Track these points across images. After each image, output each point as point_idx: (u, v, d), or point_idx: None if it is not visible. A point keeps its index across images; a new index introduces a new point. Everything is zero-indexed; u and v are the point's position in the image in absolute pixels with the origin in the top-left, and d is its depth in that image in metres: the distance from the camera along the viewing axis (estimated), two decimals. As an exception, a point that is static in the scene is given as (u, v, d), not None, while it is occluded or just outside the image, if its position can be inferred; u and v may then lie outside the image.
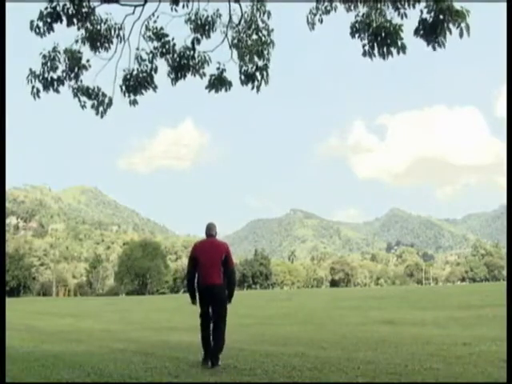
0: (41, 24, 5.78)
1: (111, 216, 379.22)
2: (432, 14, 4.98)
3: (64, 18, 5.80)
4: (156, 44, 6.33)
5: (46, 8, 5.74)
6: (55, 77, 6.10)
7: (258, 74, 6.25)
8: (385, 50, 5.39)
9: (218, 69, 6.31)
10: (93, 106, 6.32)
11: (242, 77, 6.30)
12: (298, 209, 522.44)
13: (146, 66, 6.29)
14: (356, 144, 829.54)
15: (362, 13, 5.55)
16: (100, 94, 6.31)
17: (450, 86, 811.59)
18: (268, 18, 6.38)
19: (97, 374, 6.06)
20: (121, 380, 5.68)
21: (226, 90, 6.33)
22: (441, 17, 4.92)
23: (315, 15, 5.91)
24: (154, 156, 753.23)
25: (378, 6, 5.48)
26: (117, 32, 6.22)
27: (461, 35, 4.88)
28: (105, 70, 6.26)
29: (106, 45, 6.22)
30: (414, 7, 5.17)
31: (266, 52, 6.31)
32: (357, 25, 5.54)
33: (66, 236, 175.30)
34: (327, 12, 5.87)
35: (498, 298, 21.12)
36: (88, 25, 6.07)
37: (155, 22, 6.25)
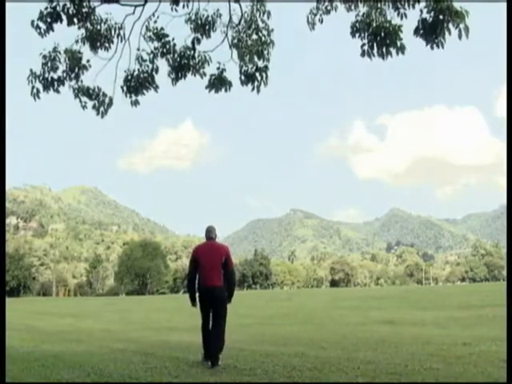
0: (41, 24, 5.78)
1: (111, 216, 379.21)
2: (432, 13, 4.98)
3: (64, 18, 5.80)
4: (156, 44, 6.33)
5: (46, 8, 5.74)
6: (55, 77, 6.10)
7: (257, 74, 6.24)
8: (384, 50, 5.40)
9: (218, 69, 6.31)
10: (93, 107, 6.31)
11: (242, 77, 6.30)
12: (298, 209, 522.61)
13: (147, 66, 6.29)
14: (356, 144, 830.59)
15: (363, 12, 5.55)
16: (100, 94, 6.30)
17: (450, 85, 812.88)
18: (268, 17, 6.38)
19: (97, 373, 6.06)
20: (121, 380, 5.68)
21: (226, 90, 6.33)
22: (440, 17, 4.92)
23: (315, 15, 5.90)
24: (154, 156, 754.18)
25: (379, 5, 5.48)
26: (117, 32, 6.21)
27: (459, 36, 4.88)
28: (105, 70, 6.26)
29: (106, 44, 6.21)
30: (413, 7, 5.17)
31: (266, 52, 6.31)
32: (357, 24, 5.54)
33: (66, 236, 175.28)
34: (327, 12, 5.86)
35: (498, 297, 21.12)
36: (88, 25, 6.07)
37: (155, 22, 6.24)
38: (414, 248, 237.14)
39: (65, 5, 5.75)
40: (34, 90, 6.01)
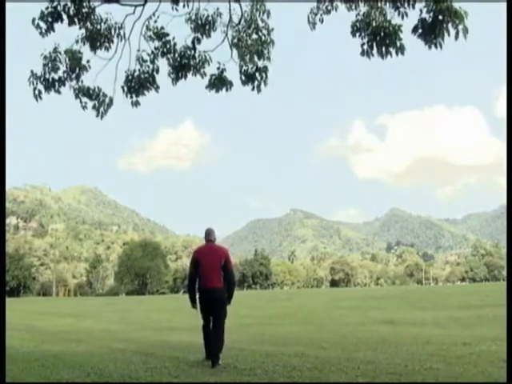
0: (42, 23, 5.78)
1: (111, 216, 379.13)
2: (431, 14, 4.97)
3: (65, 18, 5.80)
4: (157, 44, 6.33)
5: (47, 7, 5.74)
6: (56, 77, 6.11)
7: (257, 74, 6.25)
8: (383, 49, 5.39)
9: (219, 68, 6.32)
10: (93, 107, 6.31)
11: (243, 77, 6.30)
12: (298, 209, 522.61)
13: (148, 66, 6.29)
14: (356, 144, 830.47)
15: (363, 12, 5.55)
16: (101, 94, 6.31)
17: (450, 85, 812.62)
18: (268, 17, 6.38)
19: (97, 373, 6.07)
20: (121, 380, 5.68)
21: (226, 90, 6.33)
22: (440, 17, 4.92)
23: (316, 15, 5.90)
24: (154, 156, 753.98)
25: (379, 5, 5.48)
26: (117, 32, 6.21)
27: (456, 37, 4.88)
28: (105, 70, 6.27)
29: (107, 44, 6.21)
30: (413, 7, 5.17)
31: (266, 51, 6.32)
32: (357, 24, 5.54)
33: (66, 236, 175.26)
34: (328, 12, 5.86)
35: (498, 297, 21.12)
36: (88, 25, 6.07)
37: (156, 21, 6.25)
38: (414, 248, 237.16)
39: (65, 4, 5.75)
40: (36, 92, 6.03)
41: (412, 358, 6.74)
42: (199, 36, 6.34)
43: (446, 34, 4.96)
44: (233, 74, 6.35)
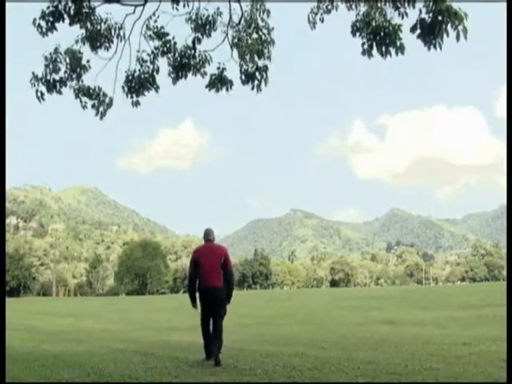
0: (43, 23, 5.79)
1: (111, 216, 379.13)
2: (430, 14, 4.97)
3: (66, 17, 5.81)
4: (157, 43, 6.34)
5: (48, 7, 5.75)
6: (57, 78, 6.12)
7: (257, 73, 6.25)
8: (383, 49, 5.39)
9: (219, 68, 6.32)
10: (93, 106, 6.32)
11: (243, 76, 6.30)
12: (298, 209, 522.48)
13: (148, 67, 6.30)
14: (356, 144, 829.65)
15: (363, 12, 5.55)
16: (101, 94, 6.31)
17: (450, 86, 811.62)
18: (268, 16, 6.39)
19: (97, 374, 6.06)
20: (121, 380, 5.68)
21: (226, 90, 6.34)
22: (439, 18, 4.91)
23: (316, 14, 5.90)
24: (154, 156, 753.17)
25: (379, 4, 5.48)
26: (117, 32, 6.22)
27: (457, 38, 4.88)
28: (105, 70, 6.28)
29: (107, 44, 6.22)
30: (413, 7, 5.16)
31: (266, 51, 6.32)
32: (357, 23, 5.54)
33: (66, 236, 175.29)
34: (328, 11, 5.86)
35: (498, 298, 21.11)
36: (88, 25, 6.07)
37: (156, 21, 6.25)
38: (414, 248, 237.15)
39: (66, 4, 5.75)
40: (38, 93, 6.05)
41: (412, 358, 6.74)
42: (199, 36, 6.35)
43: (445, 35, 4.97)
44: (233, 73, 6.36)
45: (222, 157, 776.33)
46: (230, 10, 6.26)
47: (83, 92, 6.25)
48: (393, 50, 5.36)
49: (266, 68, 6.26)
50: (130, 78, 6.29)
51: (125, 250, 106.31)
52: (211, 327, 6.88)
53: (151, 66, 6.31)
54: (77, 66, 6.16)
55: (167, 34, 6.32)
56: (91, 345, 10.14)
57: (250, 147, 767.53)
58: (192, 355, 7.32)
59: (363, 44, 5.46)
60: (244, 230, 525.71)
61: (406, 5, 5.17)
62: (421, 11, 5.02)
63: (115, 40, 6.21)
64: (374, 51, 5.42)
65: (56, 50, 6.11)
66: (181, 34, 6.37)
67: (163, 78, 6.37)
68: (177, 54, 6.33)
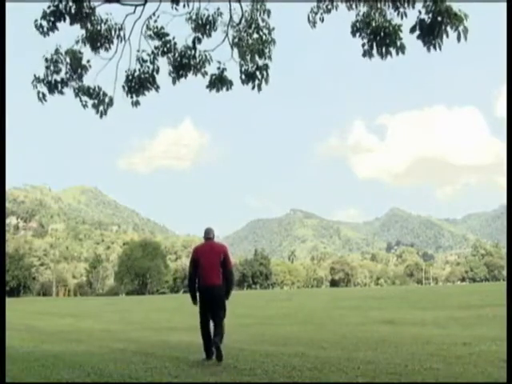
0: (44, 23, 5.79)
1: (111, 216, 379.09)
2: (430, 15, 4.97)
3: (67, 17, 5.81)
4: (157, 43, 6.35)
5: (49, 7, 5.75)
6: (59, 79, 6.14)
7: (258, 73, 6.26)
8: (384, 49, 5.40)
9: (219, 68, 6.32)
10: (93, 106, 6.32)
11: (243, 76, 6.31)
12: (297, 209, 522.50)
13: (148, 66, 6.30)
14: (356, 144, 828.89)
15: (363, 12, 5.55)
16: (101, 93, 6.31)
17: (450, 86, 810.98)
18: (268, 16, 6.39)
19: (97, 374, 6.07)
20: (121, 380, 5.68)
21: (227, 89, 6.35)
22: (439, 18, 4.91)
23: (316, 14, 5.90)
24: (154, 156, 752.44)
25: (378, 5, 5.48)
26: (117, 33, 6.22)
27: (458, 39, 4.88)
28: (105, 70, 6.28)
29: (107, 45, 6.22)
30: (413, 7, 5.17)
31: (267, 50, 6.33)
32: (357, 24, 5.54)
33: (66, 236, 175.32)
34: (328, 11, 5.86)
35: (498, 298, 21.12)
36: (88, 25, 6.08)
37: (156, 21, 6.26)
38: (414, 248, 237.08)
39: (67, 3, 5.75)
40: (40, 95, 6.07)
41: (412, 358, 6.74)
42: (200, 36, 6.35)
43: (444, 36, 4.96)
44: (233, 73, 6.37)
45: (222, 157, 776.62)
46: (230, 9, 6.27)
47: (83, 91, 6.26)
48: (393, 50, 5.37)
49: (266, 67, 6.27)
50: (130, 77, 6.30)
51: (125, 249, 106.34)
52: (211, 328, 6.89)
53: (151, 66, 6.31)
54: (77, 66, 6.16)
55: (167, 34, 6.33)
56: (91, 345, 10.14)
57: (250, 147, 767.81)
58: (192, 355, 7.32)
59: (363, 45, 5.46)
60: (244, 230, 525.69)
61: (406, 5, 5.17)
62: (420, 12, 5.02)
63: (115, 40, 6.22)
64: (375, 52, 5.42)
65: (57, 51, 6.12)
66: (181, 34, 6.39)
67: (163, 77, 6.38)
68: (177, 54, 6.34)
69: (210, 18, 6.35)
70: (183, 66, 6.31)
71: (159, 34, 6.31)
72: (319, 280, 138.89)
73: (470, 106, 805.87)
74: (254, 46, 6.30)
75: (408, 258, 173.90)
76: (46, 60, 6.08)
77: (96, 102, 6.31)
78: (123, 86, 6.30)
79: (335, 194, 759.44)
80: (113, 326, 16.86)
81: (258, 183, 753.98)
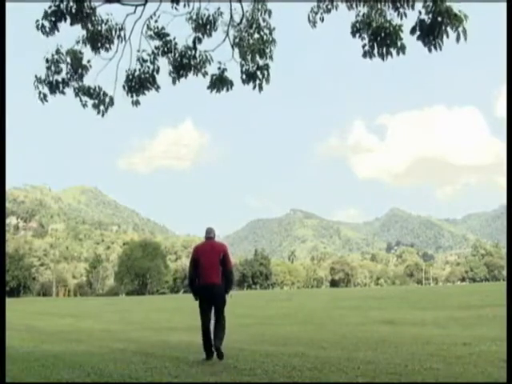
0: (46, 23, 5.79)
1: (111, 216, 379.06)
2: (430, 15, 4.97)
3: (68, 17, 5.81)
4: (157, 43, 6.35)
5: (50, 7, 5.75)
6: (60, 79, 6.15)
7: (259, 72, 6.26)
8: (384, 50, 5.39)
9: (219, 68, 6.32)
10: (94, 105, 6.33)
11: (244, 76, 6.31)
12: (297, 209, 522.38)
13: (148, 66, 6.31)
14: (356, 144, 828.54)
15: (363, 13, 5.55)
16: (101, 93, 6.32)
17: (450, 86, 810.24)
18: (269, 16, 6.39)
19: (97, 374, 6.07)
20: (121, 380, 5.68)
21: (227, 90, 6.35)
22: (439, 19, 4.91)
23: (316, 13, 5.91)
24: (154, 156, 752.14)
25: (379, 6, 5.48)
26: (117, 33, 6.22)
27: (457, 39, 4.88)
28: (106, 70, 6.29)
29: (107, 45, 6.22)
30: (413, 8, 5.17)
31: (268, 50, 6.34)
32: (357, 24, 5.54)
33: (66, 236, 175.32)
34: (328, 11, 5.87)
35: (498, 297, 21.12)
36: (89, 25, 6.08)
37: (156, 21, 6.26)
38: (414, 248, 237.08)
39: (68, 3, 5.75)
40: (41, 95, 6.08)
41: (412, 358, 6.74)
42: (200, 36, 6.35)
43: (444, 36, 4.97)
44: (233, 73, 6.37)
45: (222, 157, 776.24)
46: (230, 9, 6.27)
47: (83, 91, 6.26)
48: (394, 51, 5.36)
49: (267, 67, 6.28)
50: (131, 77, 6.30)
51: (125, 250, 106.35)
52: (212, 324, 6.97)
53: (151, 66, 6.32)
54: (78, 66, 6.17)
55: (168, 34, 6.33)
56: (91, 345, 10.15)
57: (250, 147, 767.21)
58: (192, 355, 7.32)
59: (364, 45, 5.46)
60: (244, 230, 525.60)
61: (406, 5, 5.17)
62: (420, 12, 5.02)
63: (116, 40, 6.23)
64: (376, 52, 5.41)
65: (58, 51, 6.13)
66: (181, 34, 6.39)
67: (163, 77, 6.39)
68: (177, 54, 6.34)
69: (211, 17, 6.35)
70: (183, 65, 6.31)
71: (159, 34, 6.31)
72: (319, 280, 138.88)
73: (470, 105, 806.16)
74: (255, 46, 6.30)
75: (408, 258, 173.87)
76: (47, 60, 6.09)
77: (96, 101, 6.31)
78: (123, 86, 6.31)
79: (335, 194, 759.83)
80: (113, 326, 16.87)
81: (258, 183, 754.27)
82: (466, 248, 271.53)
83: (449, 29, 4.92)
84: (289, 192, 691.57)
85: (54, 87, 6.11)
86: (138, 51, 6.30)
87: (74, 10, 5.80)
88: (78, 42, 6.18)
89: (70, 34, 6.16)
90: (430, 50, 5.05)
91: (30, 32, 5.87)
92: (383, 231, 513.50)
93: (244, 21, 6.36)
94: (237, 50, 6.43)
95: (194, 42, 6.35)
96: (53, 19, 5.77)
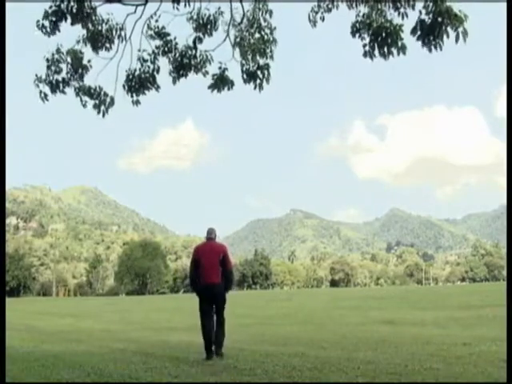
0: (47, 23, 5.79)
1: (111, 216, 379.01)
2: (430, 15, 4.97)
3: (68, 17, 5.81)
4: (158, 43, 6.35)
5: (51, 7, 5.75)
6: (60, 79, 6.15)
7: (259, 72, 6.26)
8: (385, 50, 5.39)
9: (220, 68, 6.32)
10: (94, 106, 6.33)
11: (244, 75, 6.31)
12: (297, 209, 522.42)
13: (149, 66, 6.31)
14: (356, 144, 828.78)
15: (363, 13, 5.55)
16: (102, 93, 6.32)
17: (450, 86, 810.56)
18: (270, 16, 6.39)
19: (97, 374, 6.07)
20: (121, 380, 5.68)
21: (228, 89, 6.35)
22: (439, 19, 4.91)
23: (317, 13, 5.91)
24: (154, 156, 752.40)
25: (379, 6, 5.47)
26: (118, 33, 6.22)
27: (457, 40, 4.88)
28: (106, 70, 6.29)
29: (108, 45, 6.22)
30: (413, 8, 5.16)
31: (268, 50, 6.34)
32: (357, 24, 5.54)
33: (66, 236, 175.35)
34: (329, 10, 5.86)
35: (498, 298, 21.12)
36: (89, 25, 6.08)
37: (157, 20, 6.26)
38: (414, 248, 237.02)
39: (69, 3, 5.75)
40: (42, 94, 6.09)
41: (412, 358, 6.74)
42: (201, 35, 6.35)
43: (445, 36, 4.96)
44: (234, 73, 6.38)
45: (222, 157, 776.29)
46: (231, 9, 6.26)
47: (84, 91, 6.26)
48: (394, 51, 5.36)
49: (267, 66, 6.28)
50: (131, 77, 6.30)
51: (125, 249, 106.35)
52: (213, 323, 7.07)
53: (152, 66, 6.31)
54: (78, 66, 6.17)
55: (168, 34, 6.32)
56: (91, 345, 10.15)
57: (250, 147, 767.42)
58: (192, 355, 7.32)
59: (365, 46, 5.46)
60: (244, 230, 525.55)
61: (406, 5, 5.17)
62: (421, 12, 5.02)
63: (116, 40, 6.22)
64: (376, 53, 5.41)
65: (58, 50, 6.13)
66: (182, 34, 6.39)
67: (163, 77, 6.39)
68: (178, 54, 6.34)
69: (211, 17, 6.35)
70: (184, 65, 6.31)
71: (160, 34, 6.31)
72: (319, 280, 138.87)
73: (470, 105, 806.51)
74: (255, 46, 6.30)
75: (408, 258, 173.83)
76: (47, 60, 6.09)
77: (97, 102, 6.31)
78: (123, 86, 6.30)
79: (335, 194, 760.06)
80: (113, 326, 16.86)
81: (258, 183, 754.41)
82: (466, 248, 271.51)
83: (449, 29, 4.92)
84: (289, 192, 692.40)
85: (55, 87, 6.11)
86: (139, 51, 6.31)
87: (74, 10, 5.79)
88: (78, 42, 6.19)
89: (70, 34, 6.17)
90: (430, 51, 5.05)
91: (30, 32, 5.87)
92: (383, 231, 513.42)
93: (245, 20, 6.36)
94: (237, 50, 6.43)
95: (194, 42, 6.35)
96: (53, 19, 5.77)
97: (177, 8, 6.02)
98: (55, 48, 6.15)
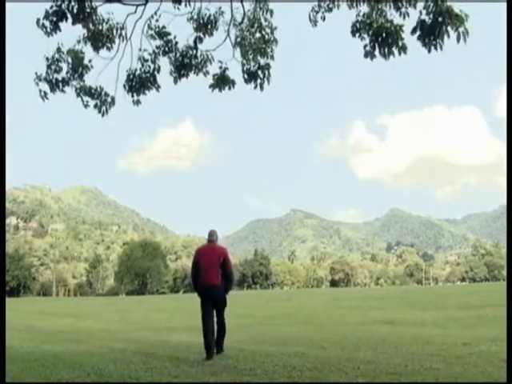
0: (47, 23, 5.80)
1: (111, 216, 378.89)
2: (431, 15, 4.97)
3: (69, 17, 5.81)
4: (158, 43, 6.35)
5: (52, 6, 5.75)
6: (60, 78, 6.15)
7: (260, 72, 6.26)
8: (386, 50, 5.39)
9: (221, 68, 6.32)
10: (95, 106, 6.33)
11: (245, 75, 6.31)
12: (297, 209, 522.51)
13: (149, 66, 6.31)
14: (356, 144, 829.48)
15: (363, 13, 5.55)
16: (103, 93, 6.32)
17: (450, 86, 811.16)
18: (271, 16, 6.40)
19: (97, 374, 6.06)
20: (121, 380, 5.68)
21: (229, 89, 6.36)
22: (439, 19, 4.91)
23: (317, 13, 5.91)
24: (154, 156, 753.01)
25: (379, 6, 5.47)
26: (119, 32, 6.22)
27: (458, 40, 4.88)
28: (107, 70, 6.29)
29: (108, 45, 6.22)
30: (414, 7, 5.16)
31: (269, 50, 6.34)
32: (357, 24, 5.54)
33: (66, 236, 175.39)
34: (329, 10, 5.86)
35: (498, 298, 21.11)
36: (90, 25, 6.08)
37: (157, 20, 6.26)
38: (414, 248, 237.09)
39: (69, 2, 5.75)
40: (42, 93, 6.10)
41: (412, 358, 6.73)
42: (201, 35, 6.35)
43: (445, 36, 4.96)
44: (234, 72, 6.38)
45: (222, 157, 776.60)
46: (231, 9, 6.26)
47: (85, 91, 6.26)
48: (395, 51, 5.36)
49: (268, 66, 6.28)
50: (131, 76, 6.30)
51: (125, 249, 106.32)
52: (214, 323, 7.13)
53: (152, 66, 6.32)
54: (79, 65, 6.17)
55: (169, 34, 6.33)
56: (91, 345, 10.14)
57: (250, 147, 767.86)
58: (192, 355, 7.32)
59: (365, 46, 5.45)
60: (244, 230, 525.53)
61: (408, 5, 5.16)
62: (421, 12, 5.02)
63: (117, 40, 6.23)
64: (377, 53, 5.41)
65: (58, 50, 6.13)
66: (182, 34, 6.39)
67: (163, 77, 6.39)
68: (178, 54, 6.34)
69: (212, 17, 6.35)
70: (184, 65, 6.31)
71: (160, 34, 6.32)
72: (319, 280, 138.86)
73: (470, 105, 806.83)
74: (256, 46, 6.30)
75: (408, 258, 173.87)
76: (47, 59, 6.09)
77: (98, 102, 6.32)
78: (124, 85, 6.31)
79: (335, 194, 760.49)
80: (113, 326, 16.86)
81: (258, 183, 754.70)
82: (466, 248, 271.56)
83: (449, 29, 4.92)
84: (289, 192, 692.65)
85: (54, 85, 6.12)
86: (139, 51, 6.31)
87: (75, 10, 5.79)
88: (78, 42, 6.19)
89: (71, 34, 6.17)
90: (429, 51, 5.05)
91: (30, 32, 5.87)
92: (383, 231, 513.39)
93: (245, 20, 6.36)
94: (238, 50, 6.43)
95: (195, 42, 6.36)
96: (54, 19, 5.77)
97: (177, 8, 6.03)
98: (56, 48, 6.15)
